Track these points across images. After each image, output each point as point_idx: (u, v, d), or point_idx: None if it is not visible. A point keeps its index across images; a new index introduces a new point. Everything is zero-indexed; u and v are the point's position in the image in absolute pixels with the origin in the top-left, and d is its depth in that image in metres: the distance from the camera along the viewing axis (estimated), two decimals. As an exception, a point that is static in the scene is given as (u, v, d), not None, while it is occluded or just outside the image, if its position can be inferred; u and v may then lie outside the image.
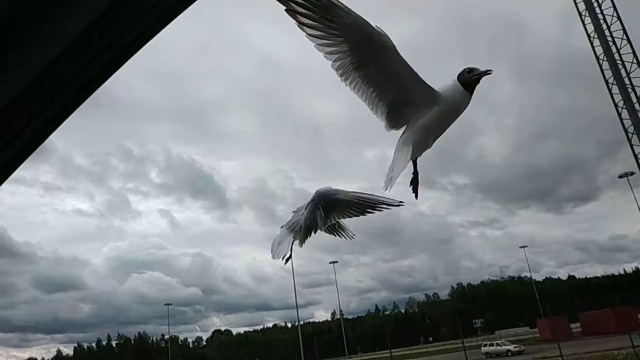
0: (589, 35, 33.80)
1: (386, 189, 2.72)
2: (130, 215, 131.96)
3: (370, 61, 2.40)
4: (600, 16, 33.05)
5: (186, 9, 0.80)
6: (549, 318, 47.75)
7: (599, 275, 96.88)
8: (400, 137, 2.65)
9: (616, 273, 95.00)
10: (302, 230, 3.43)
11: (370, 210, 3.33)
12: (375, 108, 2.59)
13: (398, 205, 3.28)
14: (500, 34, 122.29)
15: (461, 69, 2.44)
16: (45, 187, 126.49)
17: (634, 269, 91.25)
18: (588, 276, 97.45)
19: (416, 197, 2.76)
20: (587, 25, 33.85)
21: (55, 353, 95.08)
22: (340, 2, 2.24)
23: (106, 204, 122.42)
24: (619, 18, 32.58)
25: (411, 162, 2.71)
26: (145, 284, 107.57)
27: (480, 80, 2.43)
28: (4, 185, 0.86)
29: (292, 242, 3.52)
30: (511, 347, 38.11)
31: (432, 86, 2.49)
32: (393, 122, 2.62)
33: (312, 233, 3.44)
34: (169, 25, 0.82)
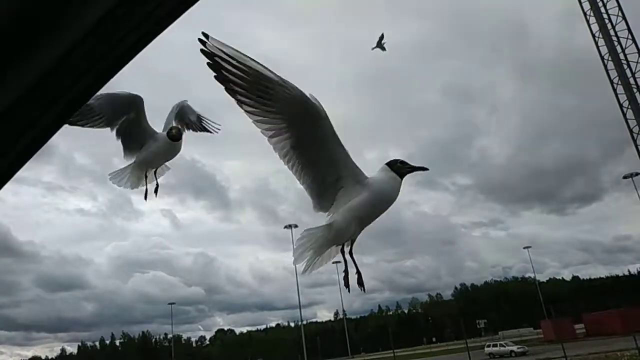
0: (593, 35, 33.62)
1: (304, 273, 2.66)
2: (133, 215, 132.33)
3: (305, 137, 2.37)
4: (605, 16, 32.86)
5: (186, 12, 0.80)
6: (552, 319, 47.46)
7: (603, 276, 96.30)
8: (328, 221, 2.58)
9: (620, 274, 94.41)
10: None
11: None
12: (308, 187, 2.54)
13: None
14: (503, 34, 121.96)
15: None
16: (48, 187, 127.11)
17: (639, 270, 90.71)
18: (592, 277, 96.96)
19: (348, 290, 2.67)
20: (591, 25, 33.69)
21: (59, 352, 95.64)
22: (277, 76, 2.23)
23: (109, 204, 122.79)
24: (624, 17, 32.39)
25: (340, 251, 2.62)
26: (148, 283, 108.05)
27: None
28: (6, 184, 0.86)
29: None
30: (514, 348, 37.97)
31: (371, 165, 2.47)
32: (322, 203, 2.59)
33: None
34: (170, 26, 0.81)
